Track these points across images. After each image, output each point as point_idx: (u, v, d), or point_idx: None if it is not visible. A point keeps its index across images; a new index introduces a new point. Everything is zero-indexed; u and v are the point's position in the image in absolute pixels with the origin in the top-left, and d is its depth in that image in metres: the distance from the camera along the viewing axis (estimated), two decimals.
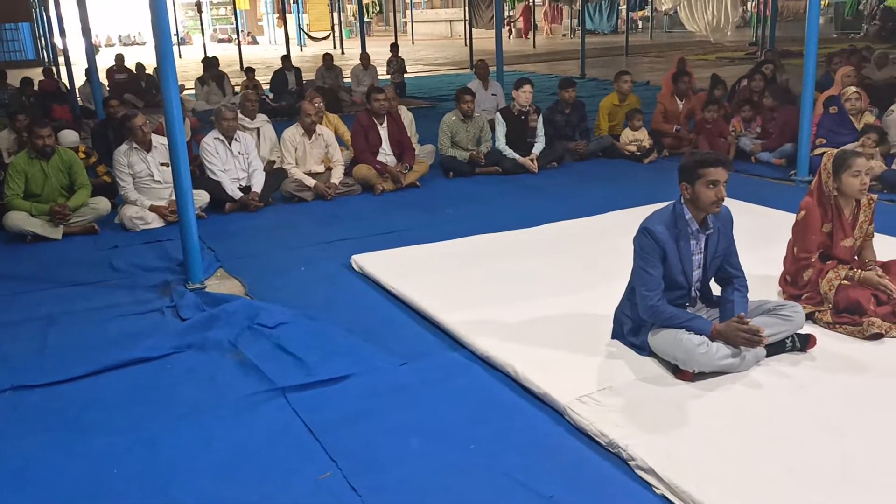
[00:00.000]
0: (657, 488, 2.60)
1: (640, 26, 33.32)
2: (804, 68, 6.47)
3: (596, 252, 4.94)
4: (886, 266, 3.89)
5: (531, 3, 31.57)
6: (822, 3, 29.85)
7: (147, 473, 2.84)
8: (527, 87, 7.47)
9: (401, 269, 4.75)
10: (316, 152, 6.98)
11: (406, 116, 7.92)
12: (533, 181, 7.32)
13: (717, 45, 22.98)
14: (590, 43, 21.44)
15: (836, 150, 3.89)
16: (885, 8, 24.01)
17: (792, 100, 7.71)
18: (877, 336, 3.55)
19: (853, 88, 6.89)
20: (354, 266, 4.94)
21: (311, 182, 6.77)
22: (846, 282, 3.75)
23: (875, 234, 4.00)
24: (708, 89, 8.44)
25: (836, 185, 3.80)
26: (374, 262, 4.89)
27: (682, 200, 3.40)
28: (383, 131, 7.18)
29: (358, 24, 21.75)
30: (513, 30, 32.56)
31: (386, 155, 7.16)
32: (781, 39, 18.53)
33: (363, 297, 4.52)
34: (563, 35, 33.64)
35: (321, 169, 7.02)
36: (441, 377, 3.50)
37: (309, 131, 6.91)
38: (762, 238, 4.75)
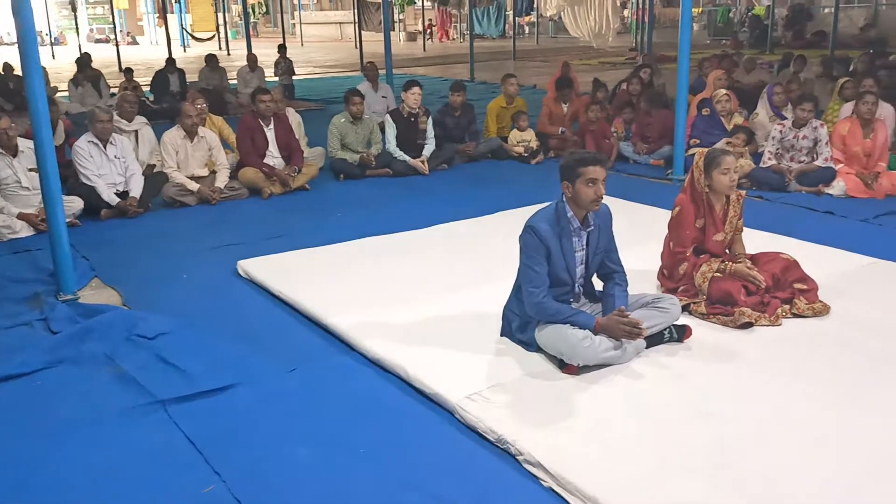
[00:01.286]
0: (545, 481, 2.65)
1: (527, 31, 34.10)
2: (678, 73, 6.78)
3: (485, 252, 4.99)
4: (755, 258, 4.11)
5: (422, 7, 31.76)
6: (696, 11, 31.48)
7: (20, 497, 2.65)
8: (415, 89, 7.49)
9: (289, 273, 4.65)
10: (199, 155, 6.74)
11: (294, 118, 7.79)
12: (424, 183, 7.34)
13: (599, 50, 23.75)
14: (479, 47, 21.76)
15: (707, 149, 4.08)
16: (752, 16, 25.58)
17: (666, 103, 8.06)
18: (747, 325, 3.74)
19: (723, 91, 7.28)
20: (241, 272, 4.80)
21: (193, 186, 6.54)
22: (718, 274, 3.93)
23: (744, 228, 4.22)
24: (591, 92, 8.72)
25: (707, 182, 3.98)
26: (261, 268, 4.76)
27: (564, 199, 3.48)
28: (270, 133, 7.02)
29: (244, 25, 21.23)
30: (419, 33, 32.61)
31: (273, 157, 7.01)
32: (659, 45, 19.39)
33: (250, 304, 4.40)
34: (453, 39, 34.01)
35: (205, 172, 6.79)
36: (331, 382, 3.44)
37: (191, 133, 6.67)
38: (642, 235, 4.93)
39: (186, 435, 3.00)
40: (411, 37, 34.19)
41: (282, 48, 15.02)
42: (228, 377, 3.43)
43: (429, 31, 32.77)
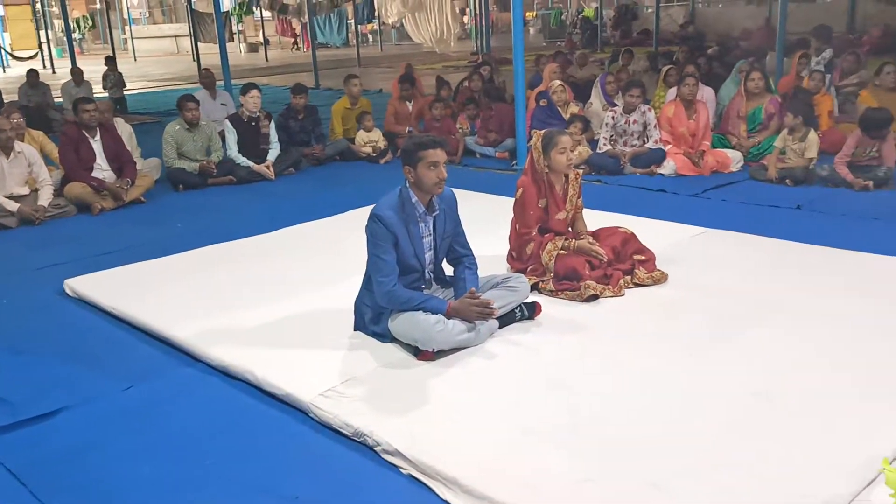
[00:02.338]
0: (404, 469, 2.58)
1: (370, 39, 34.13)
2: (514, 68, 6.94)
3: (336, 250, 4.87)
4: (596, 234, 4.24)
5: (261, 18, 31.02)
6: (530, 14, 32.68)
7: None
8: (254, 92, 7.25)
9: (123, 288, 4.33)
10: (17, 172, 6.18)
11: (124, 129, 7.32)
12: (270, 188, 7.11)
13: (442, 55, 24.13)
14: (323, 55, 21.52)
15: (543, 131, 4.17)
16: (583, 18, 26.88)
17: (506, 98, 8.27)
18: (593, 297, 3.84)
19: (558, 82, 7.54)
20: (69, 291, 4.41)
21: (13, 206, 5.98)
22: (563, 251, 4.02)
23: (585, 208, 4.34)
24: (436, 90, 8.80)
25: (546, 162, 4.07)
26: (91, 285, 4.41)
27: (407, 184, 3.44)
28: (97, 145, 6.55)
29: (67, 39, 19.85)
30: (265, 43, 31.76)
31: (103, 170, 6.54)
32: (499, 49, 19.90)
33: (81, 324, 4.05)
34: (297, 49, 33.45)
35: (25, 191, 6.23)
36: (173, 395, 3.21)
37: (6, 149, 6.11)
38: (490, 222, 4.97)
39: (6, 467, 2.69)
40: (252, 48, 33.34)
41: (110, 60, 14.17)
42: (57, 401, 3.13)
43: (290, 37, 31.99)
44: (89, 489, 2.57)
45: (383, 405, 2.92)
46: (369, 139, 8.12)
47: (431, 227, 3.52)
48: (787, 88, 7.78)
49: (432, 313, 3.32)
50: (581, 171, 4.30)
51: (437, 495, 2.43)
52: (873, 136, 5.76)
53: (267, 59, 27.70)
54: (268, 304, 3.98)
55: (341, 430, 2.82)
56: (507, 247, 4.31)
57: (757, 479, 2.32)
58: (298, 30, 32.86)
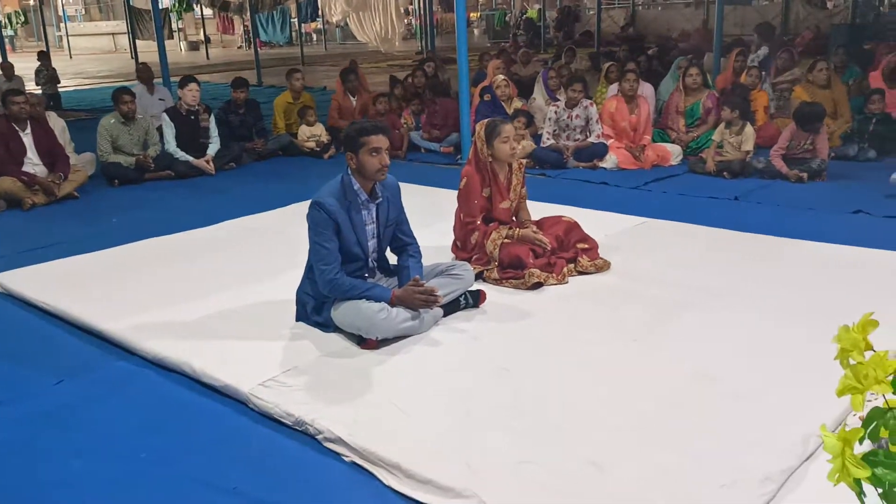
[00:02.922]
0: (346, 456, 2.53)
1: (315, 39, 33.82)
2: (458, 64, 6.91)
3: (275, 243, 4.78)
4: (539, 223, 4.26)
5: (202, 16, 30.46)
6: (475, 15, 32.83)
7: None
8: (192, 85, 7.08)
9: (54, 283, 4.17)
10: None
11: (57, 123, 7.08)
12: (210, 183, 6.96)
13: (387, 54, 24.05)
14: (267, 54, 21.21)
15: (486, 121, 4.16)
16: (526, 19, 27.13)
17: (450, 93, 8.26)
18: (537, 285, 3.85)
19: (501, 77, 7.57)
20: None
21: None
22: (507, 240, 4.02)
23: (529, 200, 4.35)
24: (389, 89, 8.77)
25: (489, 151, 4.06)
26: (21, 280, 4.24)
27: (350, 171, 3.39)
28: (27, 139, 6.31)
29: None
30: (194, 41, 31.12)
31: (34, 165, 6.30)
32: (444, 48, 19.94)
33: (9, 321, 3.89)
34: (239, 47, 32.96)
35: None
36: (107, 390, 3.10)
37: None
38: (435, 214, 4.96)
39: None
40: (193, 46, 32.71)
41: (42, 55, 13.70)
42: None
43: (231, 34, 31.31)
44: (19, 488, 2.46)
45: (325, 394, 2.87)
46: (312, 134, 8.02)
47: (374, 215, 3.47)
48: (725, 85, 7.96)
49: (376, 301, 3.28)
50: (524, 162, 4.31)
51: (380, 481, 2.39)
52: (807, 129, 5.92)
53: (208, 57, 27.19)
54: (206, 298, 3.88)
55: (282, 419, 2.75)
56: (452, 237, 4.29)
57: (695, 458, 2.34)
58: (240, 28, 32.37)
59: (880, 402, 1.40)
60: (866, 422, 1.46)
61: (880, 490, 1.45)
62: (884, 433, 1.43)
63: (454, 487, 2.26)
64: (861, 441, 1.44)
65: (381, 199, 3.45)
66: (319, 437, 2.63)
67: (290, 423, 2.73)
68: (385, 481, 2.39)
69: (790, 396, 2.69)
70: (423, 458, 2.41)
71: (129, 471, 2.53)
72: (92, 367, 3.31)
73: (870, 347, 1.47)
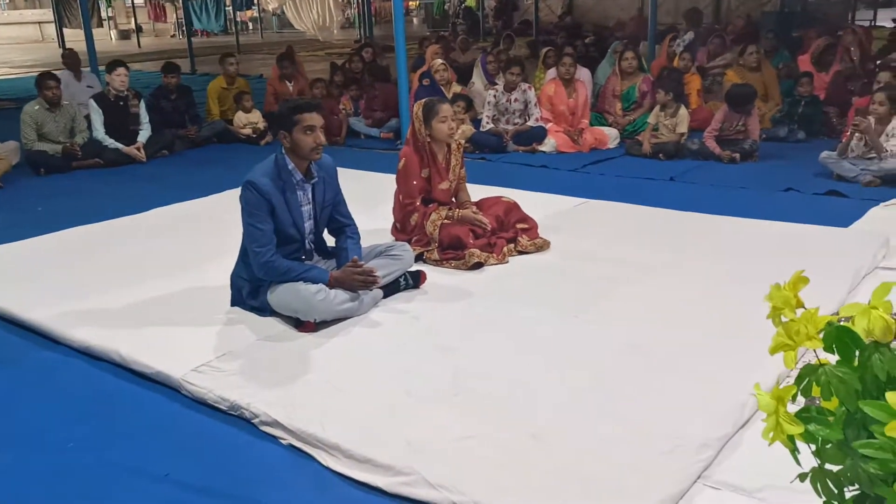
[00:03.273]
0: (284, 439, 2.47)
1: (250, 27, 33.14)
2: (396, 49, 6.80)
3: (209, 229, 4.65)
4: (479, 203, 4.23)
5: (132, 3, 29.55)
6: (414, 4, 32.67)
7: None
8: (120, 70, 6.82)
9: None
10: None
11: None
12: (142, 171, 6.73)
13: (325, 42, 23.74)
14: (201, 43, 20.70)
15: (424, 100, 4.11)
16: (465, 8, 27.11)
17: (389, 78, 8.18)
18: (478, 265, 3.83)
19: (440, 61, 7.53)
20: None
21: None
22: (447, 221, 3.99)
23: (469, 182, 4.32)
24: (329, 76, 8.65)
25: (427, 132, 4.01)
26: None
27: (283, 150, 3.30)
28: None
29: None
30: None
31: None
32: (383, 37, 19.76)
33: None
34: (172, 36, 32.09)
35: None
36: (32, 381, 2.98)
37: None
38: (375, 198, 4.88)
39: None
40: (124, 35, 31.67)
41: None
42: None
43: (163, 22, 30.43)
44: None
45: (261, 377, 2.79)
46: (248, 120, 7.84)
47: (310, 196, 3.39)
48: (659, 69, 8.07)
49: (313, 283, 3.20)
50: (463, 142, 4.28)
51: (319, 462, 2.34)
52: (738, 110, 6.04)
53: (140, 46, 26.39)
54: (136, 285, 3.74)
55: (217, 405, 2.67)
56: (392, 220, 4.23)
57: (635, 428, 2.35)
58: (173, 16, 31.53)
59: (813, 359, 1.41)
60: (798, 379, 1.46)
61: (813, 447, 1.46)
62: (816, 390, 1.45)
63: (394, 465, 2.22)
64: (794, 399, 1.46)
65: (316, 179, 3.37)
66: (255, 420, 2.56)
67: (224, 408, 2.65)
68: (324, 463, 2.33)
69: (726, 365, 2.72)
70: (363, 437, 2.36)
71: (57, 462, 2.43)
72: (16, 358, 3.17)
73: (801, 305, 1.48)
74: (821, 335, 1.42)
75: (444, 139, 4.03)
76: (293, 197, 3.31)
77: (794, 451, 1.44)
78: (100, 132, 6.83)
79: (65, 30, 21.98)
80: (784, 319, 1.47)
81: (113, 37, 31.39)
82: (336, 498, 2.19)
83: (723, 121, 6.13)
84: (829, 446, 1.44)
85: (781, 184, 5.32)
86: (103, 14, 29.82)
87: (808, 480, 1.46)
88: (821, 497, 1.42)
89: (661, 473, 2.12)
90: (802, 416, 1.43)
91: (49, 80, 6.67)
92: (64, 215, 5.18)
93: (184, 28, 24.37)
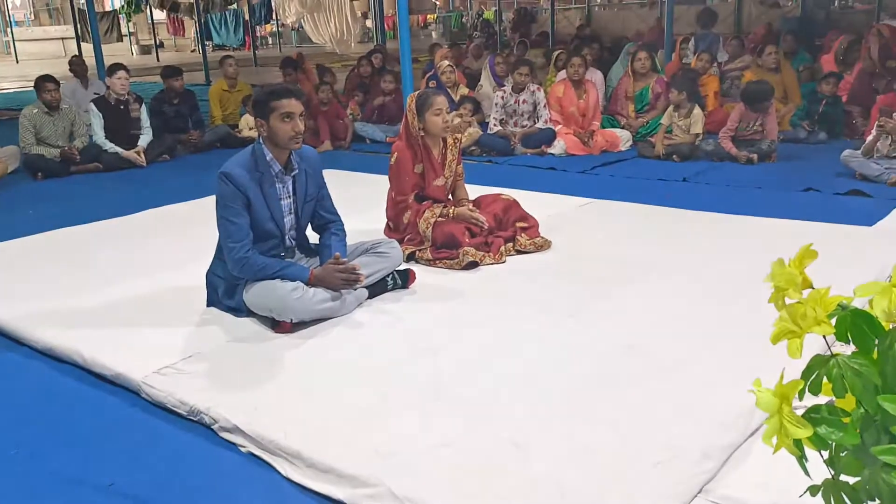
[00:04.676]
0: (243, 447, 2.24)
1: (270, 42, 33.29)
2: (401, 52, 6.61)
3: (197, 232, 4.41)
4: (477, 201, 4.01)
5: (152, 19, 29.83)
6: (431, 17, 32.68)
7: None
8: (121, 73, 6.70)
9: None
10: None
11: None
12: (141, 175, 6.58)
13: (343, 55, 23.72)
14: (219, 56, 20.62)
15: (418, 92, 3.91)
16: (483, 20, 27.04)
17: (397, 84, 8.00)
18: (473, 265, 3.60)
19: (446, 62, 7.34)
20: None
21: None
22: (441, 219, 3.77)
23: (473, 184, 4.09)
24: (318, 76, 8.48)
25: (421, 125, 3.80)
26: None
27: (261, 140, 3.10)
28: None
29: None
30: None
31: None
32: (397, 49, 19.67)
33: None
34: (192, 51, 32.32)
35: None
36: None
37: None
38: (370, 201, 4.65)
39: None
40: (145, 49, 31.98)
41: None
42: None
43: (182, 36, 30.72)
44: None
45: (227, 380, 2.58)
46: (253, 124, 7.67)
47: (291, 189, 3.19)
48: (674, 71, 7.82)
49: (290, 281, 2.99)
50: (460, 137, 4.06)
51: (279, 472, 2.11)
52: (755, 108, 5.77)
53: (158, 59, 26.59)
54: (111, 286, 3.56)
55: (176, 409, 2.46)
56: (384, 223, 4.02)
57: (626, 435, 2.10)
58: (192, 31, 31.77)
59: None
60: (806, 372, 1.22)
61: (825, 454, 1.21)
62: (826, 387, 1.20)
63: (358, 476, 1.99)
64: (801, 396, 1.21)
65: (297, 171, 3.17)
66: (215, 426, 2.34)
67: (184, 413, 2.44)
68: (283, 472, 2.11)
69: (734, 368, 2.47)
70: (328, 445, 2.14)
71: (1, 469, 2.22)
72: None
73: (809, 285, 1.25)
74: (832, 320, 1.18)
75: (438, 133, 3.82)
76: (272, 190, 3.10)
77: (802, 458, 1.20)
78: (99, 136, 6.70)
79: (84, 45, 22.17)
80: (788, 302, 1.23)
81: (134, 52, 31.68)
82: None
83: (739, 120, 5.86)
84: (843, 453, 1.20)
85: (801, 184, 5.04)
86: (124, 30, 30.10)
87: (819, 495, 1.22)
88: None
89: (656, 485, 1.87)
90: (811, 417, 1.19)
91: (47, 83, 6.57)
92: (55, 218, 5.01)
93: (207, 43, 24.53)
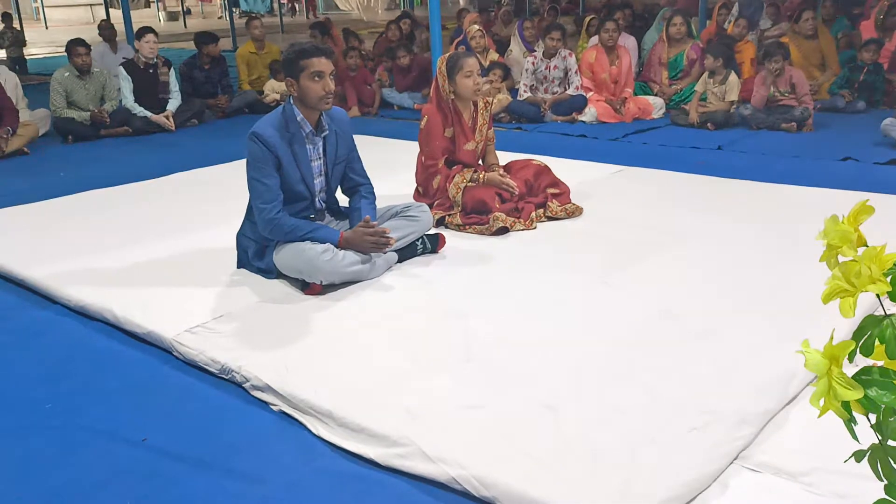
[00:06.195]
0: (275, 405, 2.25)
1: (297, 9, 33.09)
2: (430, 18, 6.51)
3: (231, 194, 4.42)
4: (508, 166, 3.96)
5: None
6: None
7: None
8: (149, 36, 6.69)
9: None
10: None
11: (9, 79, 6.69)
12: (170, 139, 6.60)
13: (370, 22, 23.57)
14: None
15: (448, 54, 3.84)
16: None
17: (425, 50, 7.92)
18: (503, 230, 3.56)
19: (476, 27, 7.22)
20: None
21: None
22: (471, 184, 3.72)
23: (502, 151, 4.03)
24: (344, 40, 8.42)
25: (451, 87, 3.74)
26: None
27: (292, 100, 3.07)
28: None
29: None
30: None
31: None
32: (426, 17, 19.47)
33: None
34: (220, 18, 32.26)
35: None
36: (21, 339, 2.82)
37: None
38: (399, 165, 4.64)
39: None
40: (172, 16, 31.97)
41: (6, 17, 13.21)
42: None
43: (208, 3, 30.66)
44: None
45: (257, 340, 2.58)
46: (280, 88, 7.65)
47: (321, 150, 3.16)
48: (710, 37, 7.64)
49: (321, 243, 2.98)
50: (491, 100, 4.00)
51: (310, 430, 2.12)
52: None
53: (185, 26, 26.59)
54: (142, 247, 3.57)
55: (207, 367, 2.47)
56: (415, 185, 3.98)
57: (662, 399, 2.07)
58: None
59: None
60: (858, 332, 1.18)
61: (874, 417, 1.17)
62: (879, 349, 1.16)
63: (389, 435, 1.99)
64: (851, 358, 1.17)
65: (328, 132, 3.14)
66: (246, 384, 2.35)
67: (215, 371, 2.45)
68: (315, 431, 2.11)
69: (772, 333, 2.42)
70: (359, 404, 2.13)
71: (30, 423, 2.25)
72: (8, 316, 3.02)
73: (864, 242, 1.20)
74: (889, 278, 1.13)
75: (469, 96, 3.76)
76: (302, 150, 3.08)
77: (851, 422, 1.15)
78: (129, 100, 6.71)
79: (112, 10, 22.19)
80: (842, 259, 1.19)
81: (161, 18, 31.69)
82: (321, 469, 1.96)
83: (762, 84, 5.72)
84: (893, 419, 1.16)
85: (839, 153, 4.92)
86: None
87: (865, 460, 1.18)
88: (881, 480, 1.14)
89: (691, 451, 1.84)
90: (862, 378, 1.14)
91: (78, 47, 6.58)
92: (85, 181, 5.05)
93: (234, 10, 24.43)
